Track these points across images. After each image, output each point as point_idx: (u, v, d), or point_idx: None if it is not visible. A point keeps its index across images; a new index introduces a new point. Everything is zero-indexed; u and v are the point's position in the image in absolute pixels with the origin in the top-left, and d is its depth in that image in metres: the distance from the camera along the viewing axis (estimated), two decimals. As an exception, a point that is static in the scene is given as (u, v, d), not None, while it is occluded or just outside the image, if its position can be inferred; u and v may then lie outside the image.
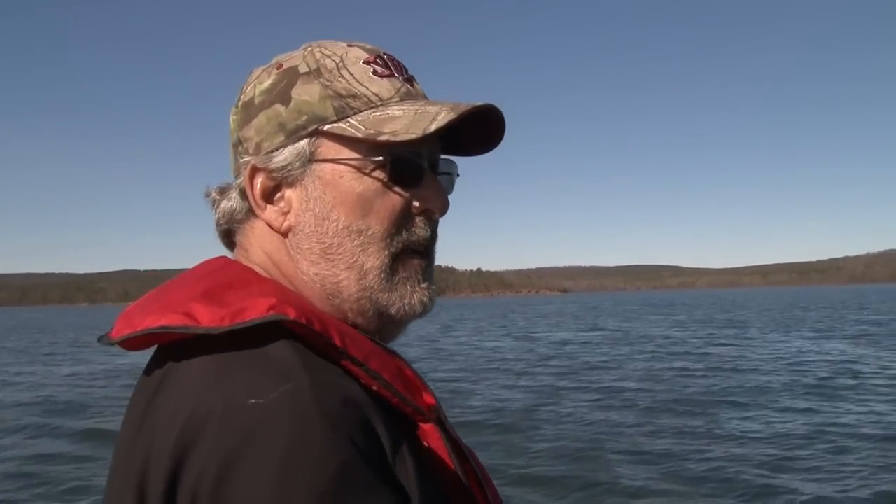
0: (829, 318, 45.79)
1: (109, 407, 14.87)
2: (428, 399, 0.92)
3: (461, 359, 24.61)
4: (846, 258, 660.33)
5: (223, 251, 1.05)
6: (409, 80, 1.00)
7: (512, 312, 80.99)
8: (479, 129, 1.00)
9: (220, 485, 0.74)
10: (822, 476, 8.65)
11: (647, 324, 46.86)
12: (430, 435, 0.91)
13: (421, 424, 0.91)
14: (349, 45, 0.99)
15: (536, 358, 24.40)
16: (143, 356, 0.92)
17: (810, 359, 21.71)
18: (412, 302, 0.97)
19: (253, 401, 0.77)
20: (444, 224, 1.02)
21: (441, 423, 0.93)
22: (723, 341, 29.52)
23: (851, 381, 16.47)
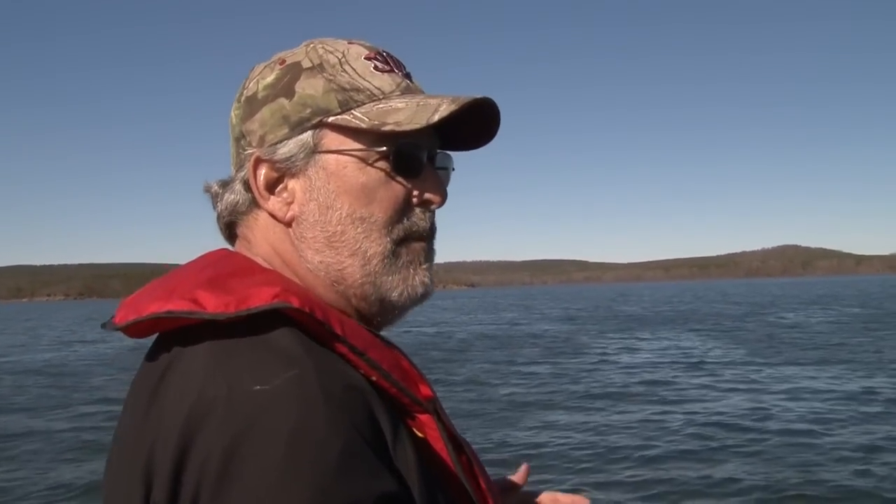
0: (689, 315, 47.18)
1: None
2: (425, 391, 0.94)
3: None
4: (743, 253, 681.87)
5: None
6: (408, 76, 1.03)
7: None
8: (474, 124, 1.03)
9: (226, 466, 0.75)
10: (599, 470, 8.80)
11: (528, 318, 47.57)
12: (428, 426, 0.92)
13: (418, 416, 0.92)
14: (350, 43, 1.02)
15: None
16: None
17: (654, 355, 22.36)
18: (414, 283, 1.00)
19: (258, 387, 0.79)
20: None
21: (438, 415, 0.94)
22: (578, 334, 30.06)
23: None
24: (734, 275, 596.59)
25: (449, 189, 1.03)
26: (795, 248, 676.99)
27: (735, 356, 20.21)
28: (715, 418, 11.40)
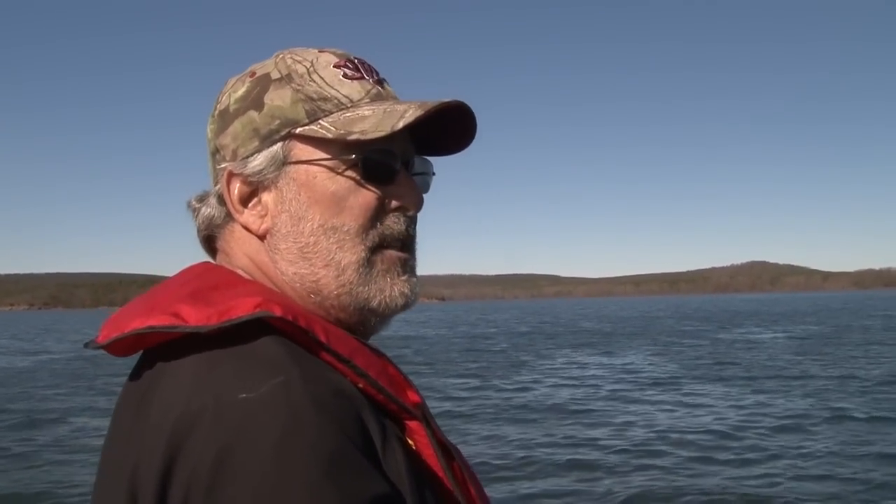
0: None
1: None
2: (413, 397, 0.93)
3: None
4: (713, 269, 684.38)
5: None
6: (380, 81, 1.03)
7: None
8: (451, 128, 1.03)
9: (215, 476, 0.75)
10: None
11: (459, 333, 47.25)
12: (417, 432, 0.92)
13: (407, 422, 0.92)
14: (320, 51, 1.02)
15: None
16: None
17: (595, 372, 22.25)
18: (392, 294, 0.99)
19: (244, 395, 0.78)
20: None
21: (427, 421, 0.93)
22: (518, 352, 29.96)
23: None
24: (703, 290, 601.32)
25: (426, 200, 1.03)
26: (763, 264, 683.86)
27: (675, 373, 20.19)
28: (642, 433, 11.34)
